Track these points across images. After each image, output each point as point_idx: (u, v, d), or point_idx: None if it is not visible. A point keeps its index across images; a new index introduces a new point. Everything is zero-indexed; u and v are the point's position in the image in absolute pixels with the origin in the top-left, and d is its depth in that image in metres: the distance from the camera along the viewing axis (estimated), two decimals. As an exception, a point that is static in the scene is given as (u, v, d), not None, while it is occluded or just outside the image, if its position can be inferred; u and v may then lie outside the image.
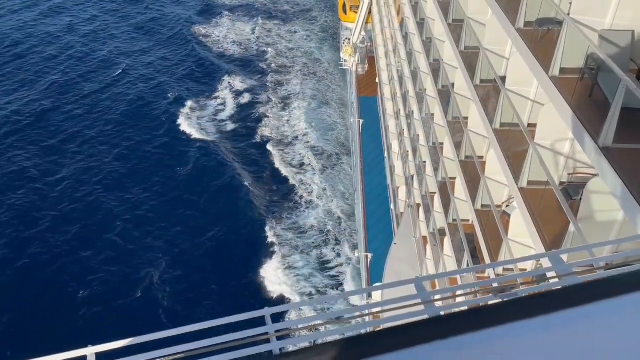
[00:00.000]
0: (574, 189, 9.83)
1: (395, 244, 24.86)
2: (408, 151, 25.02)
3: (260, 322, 3.24)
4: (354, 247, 31.17)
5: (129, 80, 45.07)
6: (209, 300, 28.30)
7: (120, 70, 46.10)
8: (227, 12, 56.64)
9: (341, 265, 30.53)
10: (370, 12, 40.81)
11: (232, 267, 30.24)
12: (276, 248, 31.29)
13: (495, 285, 3.65)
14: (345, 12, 46.90)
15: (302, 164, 37.44)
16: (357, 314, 3.58)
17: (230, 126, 40.96)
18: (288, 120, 41.68)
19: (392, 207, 29.08)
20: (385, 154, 32.26)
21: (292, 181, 36.07)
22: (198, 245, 31.53)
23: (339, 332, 3.83)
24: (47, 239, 31.64)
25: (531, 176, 10.77)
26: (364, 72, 41.38)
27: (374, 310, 3.76)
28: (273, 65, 48.24)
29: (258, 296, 28.70)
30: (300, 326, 3.43)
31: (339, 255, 31.16)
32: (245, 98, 43.48)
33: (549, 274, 4.49)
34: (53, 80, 45.03)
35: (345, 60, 43.57)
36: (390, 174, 30.61)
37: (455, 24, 17.27)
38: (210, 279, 29.50)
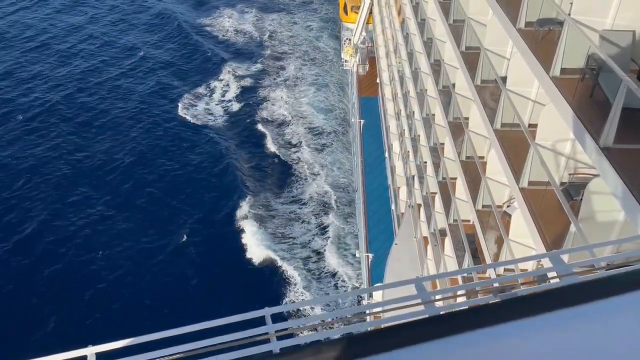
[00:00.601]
0: (574, 189, 9.82)
1: (396, 244, 24.86)
2: (409, 151, 25.02)
3: (260, 322, 3.24)
4: (350, 215, 33.12)
5: (139, 69, 46.99)
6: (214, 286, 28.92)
7: (135, 60, 48.21)
8: (227, 4, 58.45)
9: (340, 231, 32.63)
10: (371, 12, 40.80)
11: (232, 251, 30.88)
12: (276, 220, 33.23)
13: (495, 285, 3.65)
14: (346, 12, 46.92)
15: (300, 142, 39.35)
16: (357, 313, 3.58)
17: (233, 107, 42.84)
18: (287, 102, 43.52)
19: (393, 207, 29.07)
20: (386, 155, 32.26)
21: (292, 157, 37.90)
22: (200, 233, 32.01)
23: (339, 332, 3.83)
24: (46, 236, 31.71)
25: (532, 176, 10.76)
26: (365, 72, 41.39)
27: (375, 310, 3.76)
28: (274, 52, 50.41)
29: (263, 273, 29.86)
30: (300, 326, 3.43)
31: (335, 222, 33.19)
32: (247, 82, 45.63)
33: (550, 274, 4.49)
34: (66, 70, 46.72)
35: (346, 61, 43.60)
36: (391, 174, 30.60)
37: (456, 24, 17.27)
38: (214, 272, 29.81)
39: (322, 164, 37.33)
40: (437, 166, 18.82)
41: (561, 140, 10.39)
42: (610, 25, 9.71)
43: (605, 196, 8.27)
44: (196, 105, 42.49)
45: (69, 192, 34.84)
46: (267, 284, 29.66)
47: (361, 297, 26.06)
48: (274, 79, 46.57)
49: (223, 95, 44.21)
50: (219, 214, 33.49)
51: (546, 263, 4.27)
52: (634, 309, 1.49)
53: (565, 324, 1.44)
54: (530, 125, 11.55)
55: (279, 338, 3.10)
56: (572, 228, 9.06)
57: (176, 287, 29.28)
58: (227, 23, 54.97)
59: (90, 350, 3.07)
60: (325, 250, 31.54)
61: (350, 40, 43.68)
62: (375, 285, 24.94)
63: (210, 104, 43.00)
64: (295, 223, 33.30)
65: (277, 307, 3.31)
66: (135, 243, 31.58)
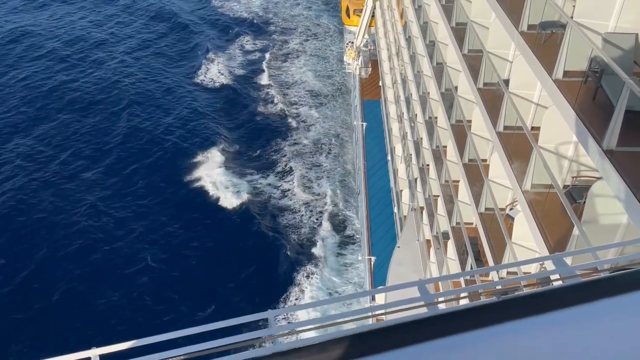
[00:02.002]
0: (577, 192, 9.81)
1: (398, 247, 24.83)
2: (411, 154, 25.01)
3: (264, 323, 3.26)
4: (344, 155, 38.28)
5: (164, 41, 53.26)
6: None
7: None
8: None
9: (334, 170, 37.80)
10: (373, 15, 40.85)
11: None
12: (280, 164, 37.70)
13: (498, 287, 3.65)
14: (348, 15, 47.00)
15: (300, 102, 44.37)
16: (361, 316, 3.58)
17: (240, 73, 48.33)
18: (288, 70, 48.72)
19: (395, 210, 29.05)
20: (389, 157, 32.25)
21: (293, 112, 43.11)
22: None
23: (342, 334, 3.83)
24: (48, 239, 31.79)
25: (535, 179, 10.75)
26: (367, 75, 41.41)
27: (377, 312, 3.76)
28: (278, 28, 55.93)
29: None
30: (303, 328, 3.44)
31: (334, 160, 38.57)
32: (254, 54, 51.27)
33: (553, 277, 4.48)
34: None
35: (348, 64, 43.66)
36: (393, 177, 30.58)
37: (458, 27, 17.28)
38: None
39: (320, 115, 42.97)
40: (439, 169, 18.81)
41: (564, 143, 10.38)
42: (613, 28, 9.71)
43: (609, 199, 8.26)
44: (209, 69, 48.11)
45: (67, 190, 34.94)
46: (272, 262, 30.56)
47: (364, 299, 26.03)
48: (278, 49, 52.00)
49: (231, 62, 49.72)
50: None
51: (549, 266, 4.27)
52: (635, 310, 1.50)
53: (567, 324, 1.45)
54: (533, 128, 11.55)
55: (283, 340, 3.11)
56: (575, 231, 9.04)
57: (181, 283, 29.29)
58: (236, 7, 60.83)
59: (95, 352, 3.08)
60: (320, 157, 37.67)
61: (352, 43, 43.74)
62: (378, 287, 24.91)
63: (221, 69, 48.23)
64: (298, 144, 39.32)
65: (280, 310, 3.33)
66: (136, 242, 31.63)
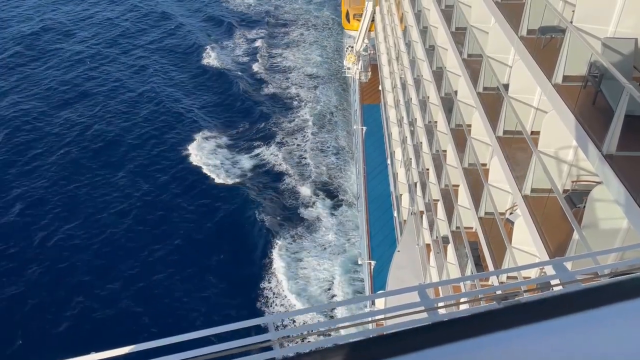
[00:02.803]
0: (577, 197, 9.80)
1: (398, 251, 24.80)
2: (411, 158, 25.02)
3: (263, 329, 3.24)
4: (337, 126, 42.04)
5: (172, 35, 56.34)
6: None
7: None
8: None
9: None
10: (373, 20, 40.94)
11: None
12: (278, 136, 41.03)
13: (498, 292, 3.64)
14: (348, 20, 47.11)
15: (299, 84, 48.01)
16: (360, 321, 3.57)
17: (242, 59, 51.91)
18: (286, 57, 52.21)
19: (395, 214, 29.03)
20: (389, 161, 32.26)
21: (292, 92, 46.68)
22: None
23: (342, 340, 3.81)
24: (52, 242, 31.73)
25: (535, 184, 10.75)
26: (367, 79, 41.48)
27: (377, 317, 3.75)
28: (279, 20, 59.38)
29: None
30: (303, 333, 3.43)
31: (329, 133, 42.15)
32: (256, 42, 54.62)
33: (553, 282, 4.47)
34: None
35: (348, 68, 43.73)
36: (393, 181, 30.58)
37: (458, 31, 17.31)
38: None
39: (315, 95, 46.64)
40: (439, 173, 18.81)
41: (564, 147, 10.38)
42: (613, 33, 9.73)
43: (609, 203, 8.25)
44: (210, 56, 51.60)
45: (75, 196, 34.93)
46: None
47: (364, 304, 25.98)
48: (279, 39, 55.65)
49: (233, 52, 53.09)
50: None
51: (549, 270, 4.26)
52: (637, 316, 1.49)
53: (568, 330, 1.44)
54: (532, 133, 11.55)
55: (282, 345, 3.09)
56: (576, 235, 9.03)
57: (179, 289, 29.23)
58: (238, 1, 64.66)
59: (93, 357, 3.06)
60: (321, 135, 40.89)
61: (352, 47, 43.83)
62: (377, 292, 24.87)
63: (226, 57, 51.92)
64: (297, 119, 43.02)
65: (280, 315, 3.31)
66: (133, 251, 31.59)
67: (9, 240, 32.07)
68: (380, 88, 37.03)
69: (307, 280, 29.94)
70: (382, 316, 3.88)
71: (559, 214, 9.77)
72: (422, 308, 3.21)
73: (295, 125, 42.36)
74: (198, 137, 40.18)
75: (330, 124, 43.07)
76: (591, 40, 9.36)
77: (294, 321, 25.23)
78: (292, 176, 37.07)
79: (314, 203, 34.84)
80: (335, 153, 39.59)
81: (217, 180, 36.45)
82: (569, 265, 4.11)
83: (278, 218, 33.69)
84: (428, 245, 21.25)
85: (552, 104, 10.03)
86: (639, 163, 7.95)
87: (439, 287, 16.31)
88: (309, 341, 4.31)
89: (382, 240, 28.39)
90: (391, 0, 33.75)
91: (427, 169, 21.19)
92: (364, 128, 35.86)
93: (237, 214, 33.81)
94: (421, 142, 22.60)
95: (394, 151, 30.21)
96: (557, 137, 10.23)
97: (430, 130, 20.76)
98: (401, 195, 27.88)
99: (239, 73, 49.10)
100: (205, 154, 38.56)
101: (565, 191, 10.27)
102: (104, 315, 27.89)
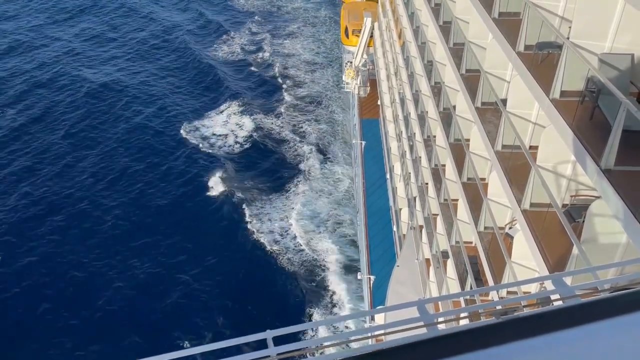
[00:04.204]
0: (576, 211, 9.81)
1: (398, 266, 24.70)
2: (410, 173, 25.04)
3: (262, 344, 3.22)
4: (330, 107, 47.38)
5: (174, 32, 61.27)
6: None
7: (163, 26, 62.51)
8: None
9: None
10: (372, 35, 41.26)
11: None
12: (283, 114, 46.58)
13: (498, 307, 3.63)
14: (347, 36, 47.47)
15: (297, 68, 53.80)
16: (360, 336, 3.55)
17: (245, 49, 57.49)
18: (286, 48, 57.52)
19: (394, 229, 28.97)
20: (388, 176, 32.28)
21: (292, 74, 52.46)
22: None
23: (340, 355, 3.79)
24: (51, 246, 31.71)
25: (534, 198, 10.75)
26: (366, 94, 41.68)
27: (377, 332, 3.73)
28: (278, 17, 64.67)
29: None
30: (302, 348, 3.41)
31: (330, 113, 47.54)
32: (258, 35, 60.18)
33: (553, 297, 4.45)
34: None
35: (347, 83, 43.96)
36: (392, 195, 30.57)
37: (456, 47, 17.45)
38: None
39: (313, 79, 52.39)
40: (438, 188, 18.82)
41: (562, 162, 10.41)
42: (609, 49, 9.81)
43: (607, 218, 8.26)
44: (214, 47, 57.30)
45: (81, 208, 34.88)
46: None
47: (363, 319, 25.82)
48: (279, 33, 60.89)
49: (234, 44, 58.45)
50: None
51: (549, 285, 4.25)
52: (635, 330, 1.49)
53: (567, 345, 1.44)
54: (531, 147, 11.59)
55: (281, 360, 3.07)
56: (575, 250, 9.02)
57: (181, 299, 29.07)
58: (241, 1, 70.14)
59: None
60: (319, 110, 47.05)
61: (351, 63, 44.10)
62: (377, 307, 24.73)
63: (229, 47, 57.62)
64: (297, 100, 48.55)
65: (279, 330, 3.30)
66: (133, 266, 31.47)
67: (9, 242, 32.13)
68: (379, 103, 37.19)
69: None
70: (382, 331, 3.87)
71: (558, 228, 9.77)
72: (422, 323, 3.20)
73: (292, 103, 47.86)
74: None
75: (325, 100, 48.75)
76: (588, 56, 9.44)
77: (293, 335, 25.05)
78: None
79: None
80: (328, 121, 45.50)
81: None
82: (568, 280, 4.11)
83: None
84: (427, 260, 21.18)
85: (550, 118, 10.08)
86: (637, 177, 7.97)
87: (439, 302, 16.24)
88: (307, 357, 4.29)
89: (382, 255, 28.30)
90: (390, 16, 34.06)
91: (426, 184, 21.20)
92: (363, 142, 35.95)
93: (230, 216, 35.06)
94: (420, 157, 22.65)
95: (393, 165, 30.25)
96: (555, 152, 10.26)
97: (429, 145, 20.81)
98: (400, 209, 27.85)
99: (243, 61, 54.70)
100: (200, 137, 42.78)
101: (564, 206, 10.28)
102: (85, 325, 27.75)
